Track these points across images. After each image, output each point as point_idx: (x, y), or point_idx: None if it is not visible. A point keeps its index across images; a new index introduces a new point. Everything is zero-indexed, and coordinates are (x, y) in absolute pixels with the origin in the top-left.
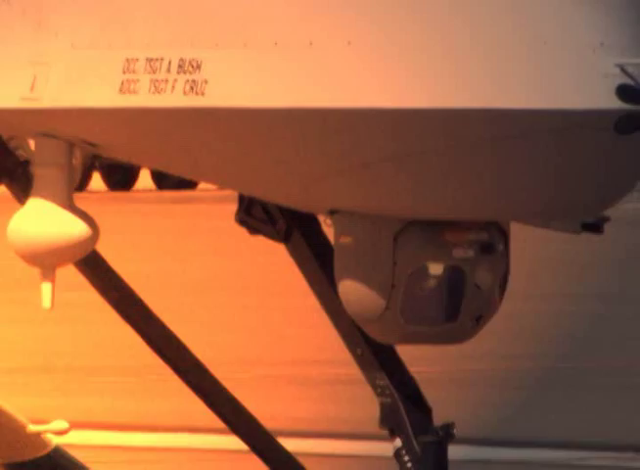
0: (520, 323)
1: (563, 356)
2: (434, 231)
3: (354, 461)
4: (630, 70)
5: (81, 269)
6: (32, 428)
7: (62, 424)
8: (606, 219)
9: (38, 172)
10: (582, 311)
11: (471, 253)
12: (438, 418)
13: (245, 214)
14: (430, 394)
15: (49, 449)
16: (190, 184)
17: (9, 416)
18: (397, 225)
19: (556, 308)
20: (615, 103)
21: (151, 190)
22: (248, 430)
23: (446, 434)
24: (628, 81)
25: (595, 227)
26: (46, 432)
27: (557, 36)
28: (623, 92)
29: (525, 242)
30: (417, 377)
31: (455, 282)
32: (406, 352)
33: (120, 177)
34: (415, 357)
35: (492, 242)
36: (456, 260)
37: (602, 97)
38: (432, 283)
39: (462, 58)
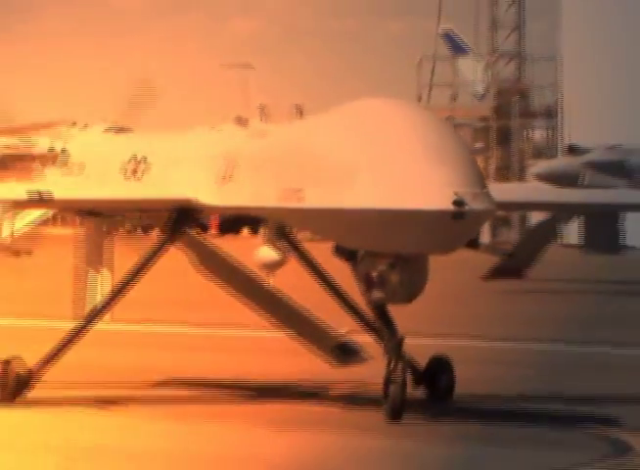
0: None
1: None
2: (370, 256)
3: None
4: (460, 193)
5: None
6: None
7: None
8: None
9: (262, 231)
10: None
11: (384, 267)
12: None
13: (336, 251)
14: None
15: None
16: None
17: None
18: (361, 254)
19: None
20: (451, 207)
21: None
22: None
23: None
24: (460, 199)
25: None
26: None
27: (428, 185)
28: (456, 216)
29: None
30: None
31: (381, 280)
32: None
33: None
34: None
35: (395, 263)
36: (379, 271)
37: (446, 204)
38: (374, 280)
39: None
